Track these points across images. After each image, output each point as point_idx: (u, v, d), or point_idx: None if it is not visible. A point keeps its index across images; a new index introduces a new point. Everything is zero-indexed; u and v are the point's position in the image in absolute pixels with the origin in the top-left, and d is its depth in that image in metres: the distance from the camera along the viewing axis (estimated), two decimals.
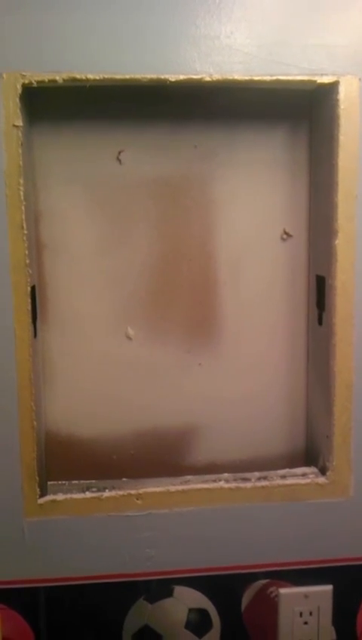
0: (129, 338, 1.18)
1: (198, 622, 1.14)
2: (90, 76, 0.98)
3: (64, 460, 1.19)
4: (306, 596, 1.12)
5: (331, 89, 1.04)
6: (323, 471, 1.15)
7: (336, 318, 1.08)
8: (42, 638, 1.12)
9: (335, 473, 1.12)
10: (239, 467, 1.21)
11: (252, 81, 1.02)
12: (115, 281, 1.17)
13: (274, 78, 1.02)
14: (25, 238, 1.00)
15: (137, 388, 1.20)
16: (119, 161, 1.13)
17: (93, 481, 1.14)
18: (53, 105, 1.09)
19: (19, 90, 0.97)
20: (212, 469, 1.21)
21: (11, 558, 1.09)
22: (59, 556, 1.09)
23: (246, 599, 1.15)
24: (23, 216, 1.00)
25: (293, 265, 1.20)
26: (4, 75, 0.96)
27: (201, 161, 1.15)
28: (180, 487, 1.11)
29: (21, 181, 0.99)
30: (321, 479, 1.13)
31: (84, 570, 1.10)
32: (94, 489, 1.11)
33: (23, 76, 0.96)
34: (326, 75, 1.03)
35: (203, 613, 1.14)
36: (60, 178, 1.13)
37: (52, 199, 1.13)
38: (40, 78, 0.97)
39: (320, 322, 1.15)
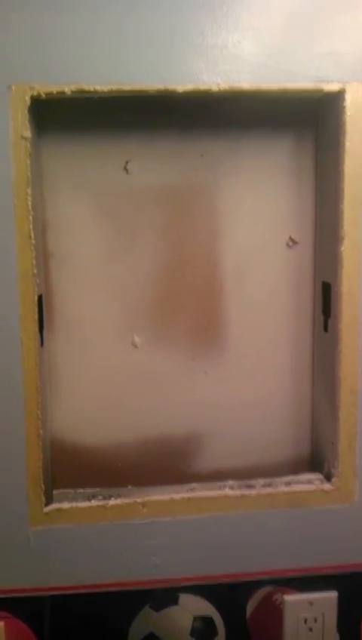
0: (135, 346, 1.18)
1: (203, 629, 1.14)
2: (98, 87, 0.97)
3: (69, 467, 1.19)
4: (311, 603, 1.12)
5: (337, 96, 1.04)
6: (328, 477, 1.15)
7: (342, 325, 1.08)
8: None
9: (340, 479, 1.12)
10: (244, 474, 1.20)
11: (259, 91, 1.02)
12: (121, 289, 1.17)
13: (282, 86, 1.02)
14: (32, 247, 1.00)
15: (143, 395, 1.20)
16: (126, 170, 1.13)
17: (98, 489, 1.14)
18: (61, 116, 1.09)
19: (28, 102, 0.97)
20: (217, 476, 1.21)
21: (17, 566, 1.08)
22: (65, 564, 1.09)
23: (251, 606, 1.15)
24: (31, 226, 1.00)
25: (299, 272, 1.20)
26: (13, 87, 0.96)
27: (207, 169, 1.15)
28: (185, 495, 1.11)
29: (29, 191, 0.99)
30: (326, 486, 1.13)
31: (89, 579, 1.10)
32: (99, 497, 1.11)
33: (32, 88, 0.96)
34: (332, 82, 1.03)
35: (208, 620, 1.14)
36: (68, 188, 1.13)
37: (59, 209, 1.13)
38: (48, 90, 0.97)
39: (325, 329, 1.15)
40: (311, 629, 1.13)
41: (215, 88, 1.00)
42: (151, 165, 1.13)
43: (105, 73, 0.98)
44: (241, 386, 1.22)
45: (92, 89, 0.97)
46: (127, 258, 1.16)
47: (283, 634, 1.12)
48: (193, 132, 1.13)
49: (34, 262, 1.01)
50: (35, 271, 1.01)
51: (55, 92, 0.97)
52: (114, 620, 1.12)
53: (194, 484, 1.15)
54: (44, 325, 1.12)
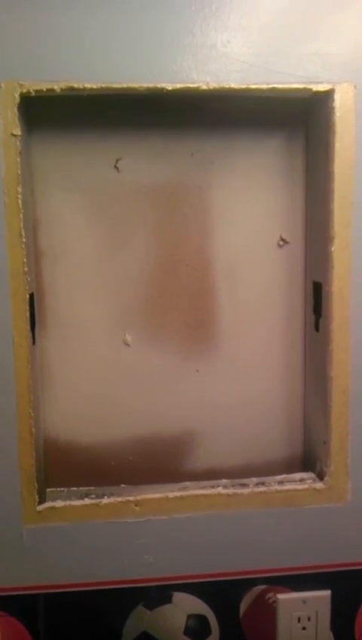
0: (127, 344, 1.18)
1: (197, 628, 1.14)
2: (88, 85, 0.98)
3: (63, 466, 1.19)
4: (304, 601, 1.12)
5: (327, 97, 1.05)
6: (320, 476, 1.15)
7: (333, 325, 1.09)
8: None
9: (332, 478, 1.13)
10: (237, 473, 1.21)
11: (248, 90, 1.03)
12: (113, 287, 1.17)
13: (271, 86, 1.02)
14: (23, 245, 1.01)
15: (135, 394, 1.20)
16: (117, 168, 1.13)
17: (92, 487, 1.15)
18: (51, 113, 1.10)
19: (18, 100, 0.97)
20: (210, 474, 1.21)
21: (10, 564, 1.09)
22: (58, 563, 1.09)
23: (244, 605, 1.15)
24: (22, 224, 1.00)
25: (290, 271, 1.21)
26: (2, 85, 0.97)
27: (198, 168, 1.15)
28: (178, 494, 1.11)
29: (19, 189, 0.99)
30: (319, 485, 1.14)
31: (82, 577, 1.10)
32: (93, 496, 1.11)
33: (21, 85, 0.97)
34: (321, 83, 1.04)
35: (201, 619, 1.14)
36: (58, 186, 1.13)
37: (50, 207, 1.14)
38: (38, 87, 0.97)
39: (316, 328, 1.16)
40: (304, 628, 1.13)
41: (204, 87, 1.01)
42: (141, 164, 1.14)
43: (95, 71, 0.99)
44: (234, 385, 1.22)
45: (82, 87, 0.98)
46: (119, 256, 1.17)
47: (277, 632, 1.12)
48: (184, 131, 1.14)
49: (25, 260, 1.01)
50: (26, 269, 1.02)
51: (45, 89, 0.98)
52: (108, 619, 1.13)
53: (187, 483, 1.15)
54: (36, 323, 1.13)
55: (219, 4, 1.01)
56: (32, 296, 1.08)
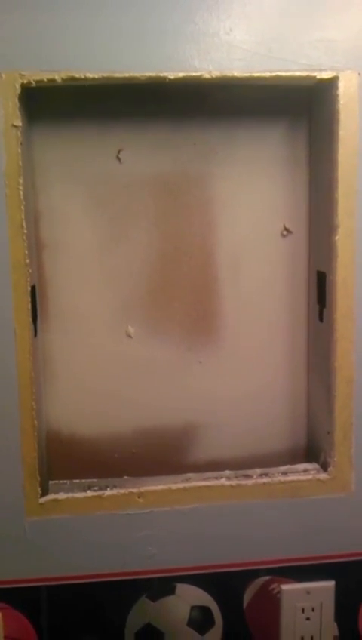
0: (129, 336, 1.18)
1: (201, 619, 1.14)
2: (89, 75, 0.97)
3: (65, 458, 1.19)
4: (308, 592, 1.12)
5: (330, 84, 1.04)
6: (324, 467, 1.15)
7: (337, 314, 1.08)
8: (44, 637, 1.12)
9: (336, 469, 1.12)
10: (240, 464, 1.20)
11: (251, 78, 1.02)
12: (115, 279, 1.17)
13: (274, 74, 1.02)
14: (25, 237, 1.00)
15: (138, 386, 1.20)
16: (119, 159, 1.13)
17: (95, 479, 1.14)
18: (52, 104, 1.09)
19: (18, 90, 0.97)
20: (213, 466, 1.21)
21: (13, 557, 1.09)
22: (61, 555, 1.09)
23: (248, 596, 1.15)
24: (23, 216, 1.00)
25: (294, 261, 1.20)
26: (3, 75, 0.96)
27: (201, 158, 1.15)
28: (181, 485, 1.11)
29: (21, 181, 0.99)
30: (322, 475, 1.13)
31: (85, 569, 1.10)
32: (96, 488, 1.11)
33: (22, 76, 0.96)
34: (325, 70, 1.03)
35: (205, 610, 1.14)
36: (60, 177, 1.12)
37: (52, 198, 1.13)
38: (39, 78, 0.97)
39: (320, 318, 1.15)
40: (308, 619, 1.13)
41: (206, 75, 1.00)
42: (143, 154, 1.13)
43: (96, 61, 0.98)
44: (237, 377, 1.22)
45: (83, 77, 0.97)
46: (121, 248, 1.16)
47: (281, 623, 1.12)
48: (186, 121, 1.13)
49: (26, 252, 1.01)
50: (28, 261, 1.01)
51: (45, 80, 0.97)
52: (111, 611, 1.13)
53: (190, 475, 1.15)
54: (38, 316, 1.12)
55: None
56: (33, 288, 1.07)
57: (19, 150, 0.98)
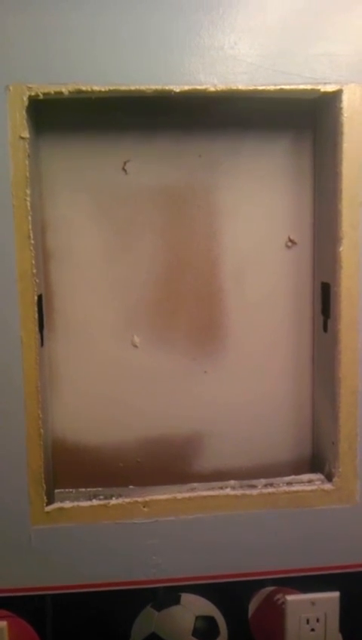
0: (135, 346, 1.18)
1: (205, 629, 1.14)
2: (96, 87, 0.99)
3: (71, 467, 1.19)
4: (313, 603, 1.12)
5: (334, 97, 1.05)
6: (329, 477, 1.15)
7: (341, 325, 1.09)
8: None
9: (341, 480, 1.12)
10: (245, 474, 1.21)
11: (256, 91, 1.03)
12: (121, 289, 1.17)
13: (278, 87, 1.03)
14: (31, 247, 1.01)
15: (143, 395, 1.20)
16: (125, 171, 1.14)
17: (100, 488, 1.15)
18: (59, 116, 1.10)
19: (26, 103, 0.98)
20: (218, 476, 1.21)
21: (18, 565, 1.09)
22: (66, 564, 1.09)
23: (253, 606, 1.15)
24: (30, 226, 1.01)
25: (298, 272, 1.21)
26: (11, 88, 0.97)
27: (206, 170, 1.16)
28: (186, 495, 1.11)
29: (28, 191, 1.00)
30: (327, 486, 1.13)
31: (90, 578, 1.10)
32: (101, 496, 1.12)
33: (30, 88, 0.97)
34: (329, 83, 1.04)
35: (210, 620, 1.14)
36: (67, 188, 1.14)
37: (58, 209, 1.14)
38: (46, 90, 0.98)
39: (325, 329, 1.16)
40: (313, 630, 1.12)
41: (211, 89, 1.01)
42: (149, 166, 1.14)
43: (102, 74, 0.99)
44: (242, 386, 1.22)
45: (89, 89, 0.99)
46: (127, 258, 1.17)
47: (285, 634, 1.12)
48: (191, 132, 1.14)
49: (33, 262, 1.02)
50: (35, 271, 1.02)
51: (53, 92, 0.98)
52: (116, 620, 1.13)
53: (195, 484, 1.15)
54: (44, 325, 1.13)
55: (226, 6, 1.01)
56: (40, 298, 1.08)
57: (27, 161, 0.99)
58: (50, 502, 1.09)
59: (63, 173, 1.13)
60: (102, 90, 0.99)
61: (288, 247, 1.20)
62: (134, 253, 1.17)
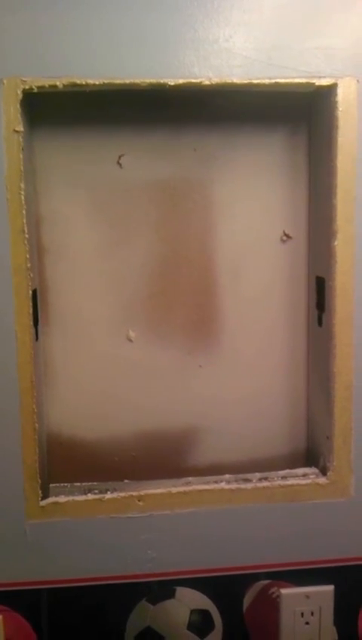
0: (130, 340, 1.18)
1: (200, 623, 1.14)
2: (90, 81, 0.98)
3: (66, 462, 1.19)
4: (307, 596, 1.13)
5: (329, 91, 1.04)
6: (323, 471, 1.15)
7: (336, 320, 1.09)
8: None
9: (335, 474, 1.13)
10: (240, 468, 1.21)
11: (251, 85, 1.02)
12: (116, 283, 1.17)
13: (273, 81, 1.02)
14: (26, 242, 1.01)
15: (138, 390, 1.20)
16: (120, 165, 1.13)
17: (95, 483, 1.14)
18: (53, 109, 1.10)
19: (20, 96, 0.97)
20: (213, 470, 1.21)
21: (13, 560, 1.09)
22: (61, 558, 1.10)
23: (247, 600, 1.16)
24: (24, 221, 1.00)
25: (293, 266, 1.21)
26: (5, 81, 0.97)
27: (201, 164, 1.15)
28: (181, 489, 1.11)
29: (22, 185, 0.99)
30: (322, 480, 1.14)
31: (85, 572, 1.11)
32: (96, 491, 1.11)
33: (24, 82, 0.97)
34: (324, 77, 1.03)
35: (205, 614, 1.14)
36: (61, 182, 1.13)
37: (53, 203, 1.14)
38: (40, 84, 0.97)
39: (319, 323, 1.16)
40: (307, 623, 1.13)
41: (206, 82, 1.01)
42: (144, 160, 1.14)
43: (97, 67, 0.98)
44: (237, 381, 1.22)
45: (84, 83, 0.98)
46: (122, 252, 1.17)
47: (280, 627, 1.13)
48: (186, 126, 1.14)
49: (27, 256, 1.01)
50: (29, 265, 1.02)
51: (47, 86, 0.97)
52: (111, 614, 1.13)
53: (190, 478, 1.15)
54: (39, 320, 1.13)
55: None
56: (34, 292, 1.08)
57: (21, 155, 0.99)
58: (45, 496, 1.09)
59: (58, 167, 1.13)
60: (97, 83, 0.98)
61: (283, 241, 1.19)
62: (129, 248, 1.16)
